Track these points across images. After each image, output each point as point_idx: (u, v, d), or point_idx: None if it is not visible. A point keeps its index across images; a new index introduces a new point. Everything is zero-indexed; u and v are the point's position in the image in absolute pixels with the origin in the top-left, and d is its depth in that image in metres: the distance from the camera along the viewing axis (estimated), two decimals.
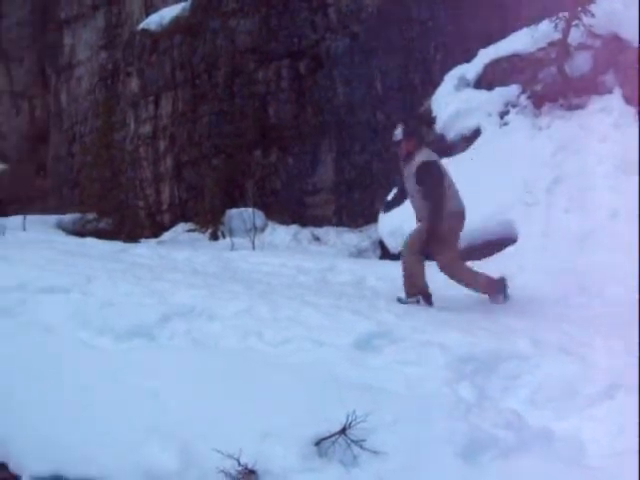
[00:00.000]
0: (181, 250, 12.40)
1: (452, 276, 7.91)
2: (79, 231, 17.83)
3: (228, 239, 14.49)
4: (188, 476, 4.60)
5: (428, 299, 7.67)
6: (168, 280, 8.02)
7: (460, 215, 7.79)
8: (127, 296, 7.27)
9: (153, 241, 15.42)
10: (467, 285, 7.97)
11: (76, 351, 6.43)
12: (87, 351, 6.37)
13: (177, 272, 9.01)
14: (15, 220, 18.26)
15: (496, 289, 7.88)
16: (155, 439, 5.07)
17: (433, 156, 7.82)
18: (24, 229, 16.71)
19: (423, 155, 7.68)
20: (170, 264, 10.26)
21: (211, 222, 15.80)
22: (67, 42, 25.56)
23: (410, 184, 7.75)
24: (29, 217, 18.74)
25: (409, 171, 7.74)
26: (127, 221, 17.90)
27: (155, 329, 6.41)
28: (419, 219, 7.86)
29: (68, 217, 20.79)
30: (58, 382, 6.00)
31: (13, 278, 8.55)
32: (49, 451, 5.36)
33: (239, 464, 4.27)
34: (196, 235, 15.96)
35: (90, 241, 13.81)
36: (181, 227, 17.09)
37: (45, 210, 22.49)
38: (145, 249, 12.69)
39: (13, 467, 5.53)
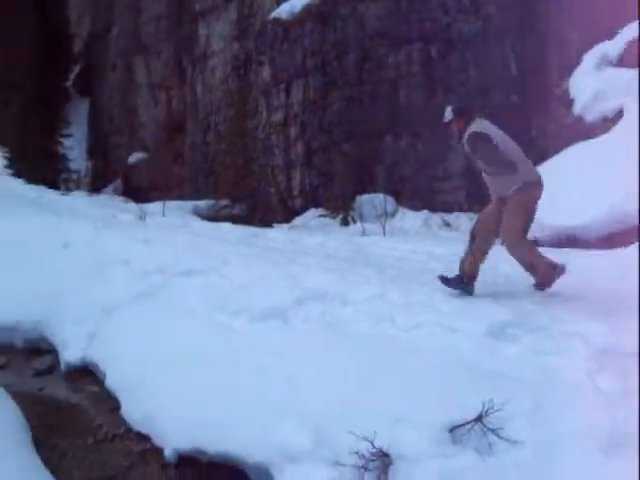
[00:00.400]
0: (313, 235, 12.54)
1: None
2: (214, 217, 18.40)
3: (359, 224, 14.55)
4: (321, 456, 4.69)
5: (558, 271, 7.25)
6: (301, 264, 8.13)
7: (540, 185, 7.05)
8: (262, 279, 7.44)
9: (285, 226, 15.70)
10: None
11: (214, 332, 6.69)
12: (224, 332, 6.61)
13: (310, 256, 9.12)
14: (155, 206, 19.07)
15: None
16: (289, 419, 5.18)
17: (485, 125, 7.09)
18: (163, 215, 17.43)
19: (473, 127, 7.04)
20: (302, 248, 10.41)
21: (342, 207, 15.90)
22: (202, 34, 26.35)
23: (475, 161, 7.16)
24: (167, 203, 19.52)
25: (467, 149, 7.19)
26: (259, 207, 18.33)
27: (289, 312, 6.54)
28: (496, 197, 7.15)
29: (203, 203, 21.49)
30: (198, 362, 6.25)
31: (154, 261, 8.98)
32: (190, 427, 5.61)
33: (373, 446, 4.29)
34: (327, 220, 16.10)
35: (225, 226, 14.23)
36: (312, 212, 17.29)
37: (182, 197, 23.35)
38: (278, 234, 12.94)
39: (156, 440, 5.84)
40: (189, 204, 21.27)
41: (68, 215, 14.40)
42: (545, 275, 7.15)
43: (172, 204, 19.99)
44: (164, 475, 5.51)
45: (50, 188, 24.31)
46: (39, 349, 8.60)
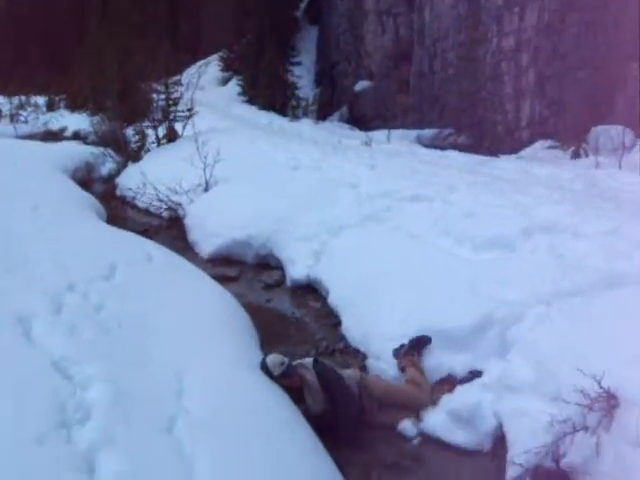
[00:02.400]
0: (543, 166, 11.97)
1: None
2: (438, 145, 18.18)
3: (592, 158, 13.64)
4: (542, 389, 4.54)
5: None
6: (531, 194, 7.80)
7: None
8: (488, 207, 7.24)
9: (512, 156, 15.13)
10: None
11: (437, 258, 6.65)
12: (448, 258, 6.55)
13: (540, 187, 8.72)
14: (379, 134, 19.21)
15: None
16: (513, 349, 5.08)
17: None
18: (388, 141, 17.53)
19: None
20: (532, 179, 9.98)
21: (574, 139, 14.98)
22: None
23: None
24: (391, 131, 19.56)
25: None
26: (486, 136, 17.81)
27: (516, 242, 6.32)
28: None
29: (427, 132, 21.26)
30: (419, 285, 6.26)
31: (380, 186, 9.07)
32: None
33: (600, 386, 4.06)
34: (557, 152, 15.24)
35: (451, 153, 14.00)
36: (540, 144, 16.46)
37: (405, 125, 23.27)
38: (506, 163, 12.53)
39: (372, 359, 5.96)
40: (413, 132, 21.15)
41: (297, 140, 14.92)
42: None
43: (396, 132, 20.00)
44: None
45: (279, 115, 25.33)
46: (267, 264, 9.12)
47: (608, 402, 4.08)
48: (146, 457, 3.40)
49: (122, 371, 4.24)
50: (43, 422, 3.48)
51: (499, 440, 4.67)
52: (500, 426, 4.70)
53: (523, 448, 4.21)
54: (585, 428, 4.06)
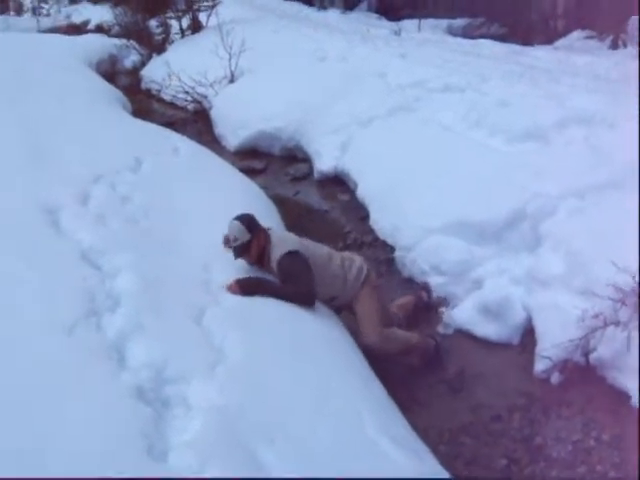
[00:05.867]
0: (580, 56, 11.51)
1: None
2: (469, 35, 17.53)
3: (630, 48, 13.07)
4: (574, 283, 4.46)
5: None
6: (567, 84, 7.51)
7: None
8: (523, 97, 6.98)
9: (547, 47, 14.55)
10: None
11: (470, 149, 6.46)
12: (480, 150, 6.36)
13: (577, 77, 8.39)
14: (408, 24, 18.58)
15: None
16: (545, 243, 4.99)
17: (291, 240, 4.71)
18: (419, 30, 16.96)
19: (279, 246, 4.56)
20: (569, 69, 9.58)
21: (612, 29, 14.33)
22: None
23: None
24: (421, 21, 18.88)
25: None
26: (519, 26, 17.09)
27: (551, 133, 6.11)
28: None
29: (458, 21, 20.47)
30: (450, 177, 6.13)
31: (410, 76, 8.77)
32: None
33: (633, 281, 3.99)
34: (593, 43, 14.60)
35: (483, 42, 13.53)
36: (576, 34, 15.74)
37: (435, 15, 22.47)
38: (542, 52, 12.08)
39: (399, 250, 5.92)
40: (444, 22, 20.34)
41: (324, 30, 14.46)
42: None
43: (426, 22, 19.29)
44: None
45: (306, 4, 24.58)
46: (294, 156, 9.01)
47: None
48: (176, 345, 3.41)
49: (150, 261, 4.23)
50: (73, 311, 3.48)
51: (528, 333, 4.67)
52: (530, 320, 4.69)
53: (552, 342, 4.20)
54: (616, 323, 4.02)
